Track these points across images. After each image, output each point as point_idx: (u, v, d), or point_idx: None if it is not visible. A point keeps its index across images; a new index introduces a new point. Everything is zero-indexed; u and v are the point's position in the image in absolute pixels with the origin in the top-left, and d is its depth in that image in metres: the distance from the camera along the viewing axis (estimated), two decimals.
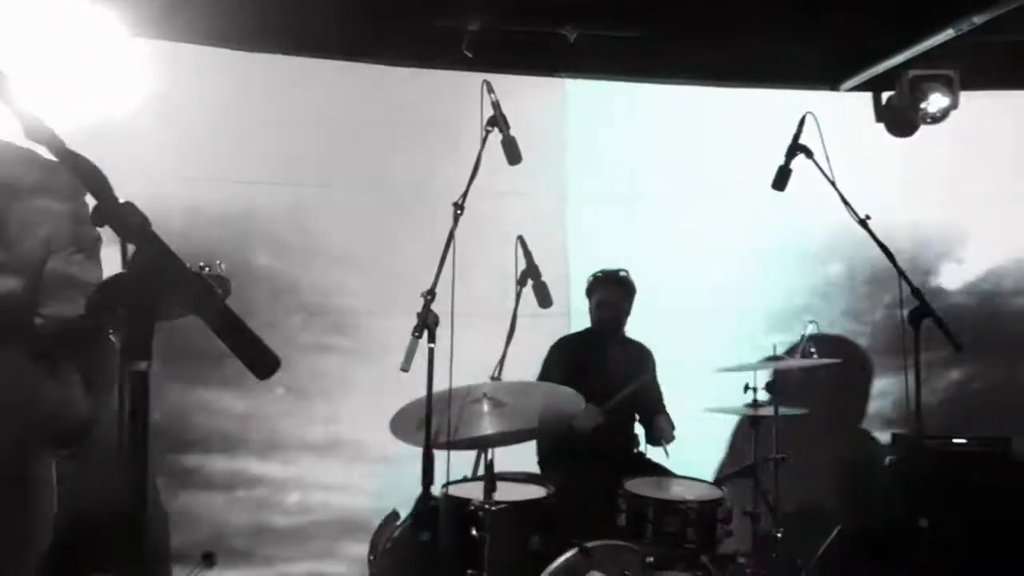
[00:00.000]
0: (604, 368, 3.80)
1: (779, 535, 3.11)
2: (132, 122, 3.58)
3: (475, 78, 4.23)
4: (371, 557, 3.44)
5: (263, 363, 1.02)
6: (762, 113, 4.37)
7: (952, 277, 4.65)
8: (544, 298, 4.48)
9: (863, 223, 2.82)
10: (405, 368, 2.20)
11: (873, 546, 3.24)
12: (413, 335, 2.21)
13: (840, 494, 3.74)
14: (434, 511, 2.99)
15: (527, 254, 4.45)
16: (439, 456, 2.55)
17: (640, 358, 3.97)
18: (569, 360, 3.81)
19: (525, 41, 4.29)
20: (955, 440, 3.89)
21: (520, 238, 4.39)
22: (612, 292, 3.87)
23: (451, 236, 2.37)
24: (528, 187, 4.45)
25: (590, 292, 3.94)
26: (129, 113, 3.58)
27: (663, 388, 3.99)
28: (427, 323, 2.23)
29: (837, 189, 2.89)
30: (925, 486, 3.20)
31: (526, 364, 4.02)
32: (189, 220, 3.77)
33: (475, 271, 4.32)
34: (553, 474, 3.71)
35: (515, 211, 4.41)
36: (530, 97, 4.48)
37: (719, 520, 2.99)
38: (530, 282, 4.46)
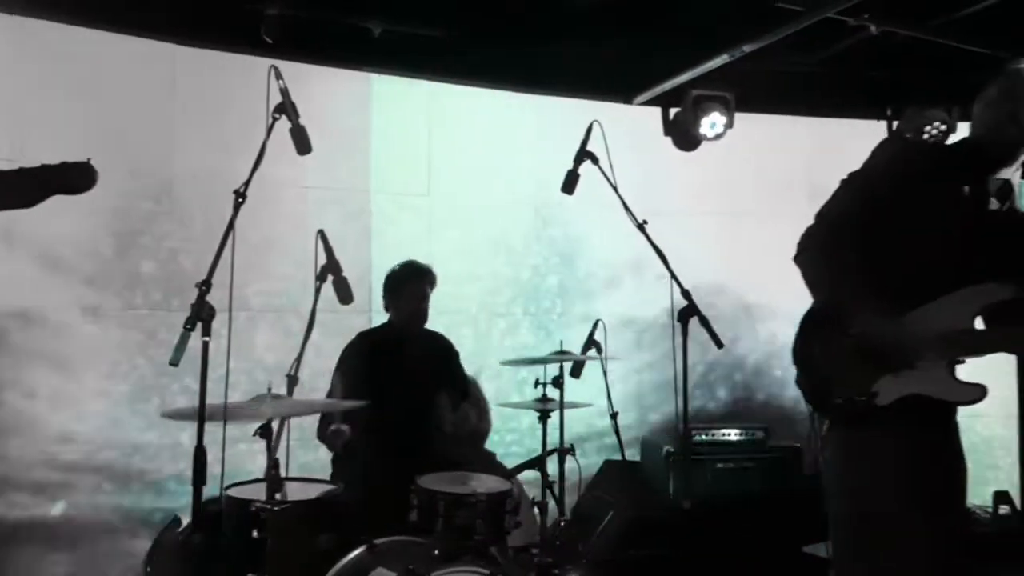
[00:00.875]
0: (405, 363, 3.77)
1: (562, 524, 3.25)
2: None
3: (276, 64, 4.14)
4: (148, 569, 3.23)
5: None
6: (560, 120, 4.56)
7: (723, 280, 5.08)
8: (345, 294, 4.40)
9: (641, 227, 3.00)
10: (174, 362, 2.08)
11: (645, 528, 3.49)
12: (184, 327, 2.09)
13: (621, 482, 3.98)
14: (217, 515, 2.86)
15: (328, 249, 4.35)
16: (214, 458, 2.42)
17: (442, 349, 3.96)
18: (368, 357, 3.75)
19: (331, 32, 4.21)
20: (720, 429, 4.28)
21: (320, 232, 4.28)
22: (420, 284, 3.79)
23: (230, 226, 2.25)
24: (333, 181, 4.38)
25: (397, 284, 3.81)
26: None
27: None
28: (200, 315, 2.11)
29: (619, 194, 3.06)
30: (692, 472, 3.49)
31: (326, 361, 3.94)
32: None
33: (275, 265, 4.19)
34: (348, 472, 3.66)
35: (319, 205, 4.32)
36: (336, 90, 4.42)
37: (507, 512, 3.07)
38: (330, 278, 4.37)
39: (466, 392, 3.93)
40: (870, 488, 2.16)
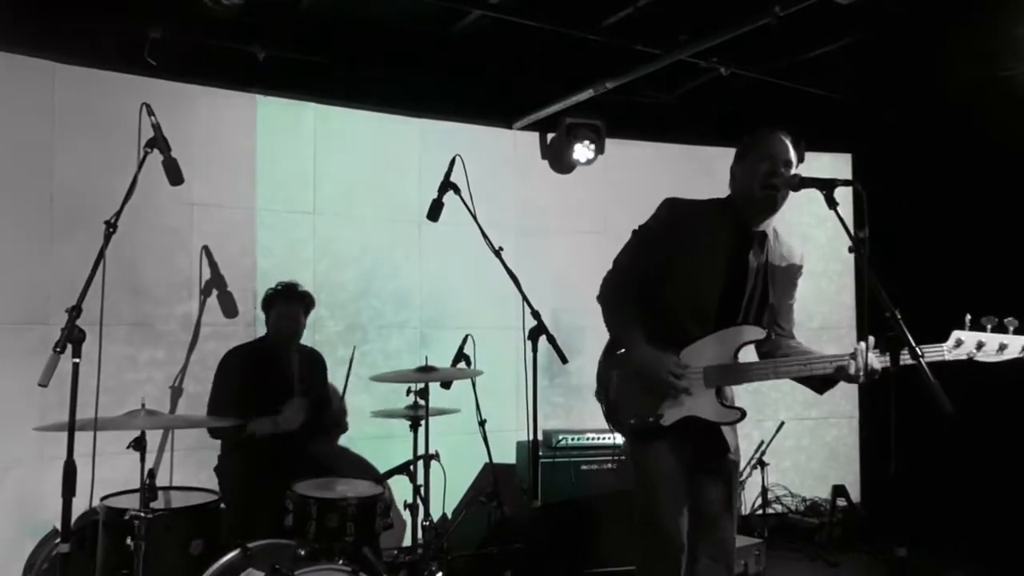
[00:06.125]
0: (277, 375, 3.93)
1: (426, 524, 3.49)
2: None
3: (161, 85, 4.23)
4: None
5: None
6: (442, 141, 4.80)
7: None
8: (229, 308, 4.58)
9: (497, 254, 3.27)
10: (43, 383, 2.23)
11: (502, 526, 3.78)
12: (54, 350, 2.24)
13: (495, 483, 4.21)
14: (94, 525, 2.99)
15: (212, 264, 4.51)
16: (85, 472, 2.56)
17: (312, 363, 4.13)
18: (241, 370, 3.89)
19: (217, 55, 4.34)
20: (585, 433, 4.61)
21: (205, 248, 4.45)
22: (290, 305, 3.96)
23: (101, 255, 2.40)
24: (218, 199, 4.48)
25: (268, 304, 3.99)
26: None
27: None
28: (71, 338, 2.26)
29: (477, 222, 3.31)
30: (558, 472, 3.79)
31: (209, 374, 4.05)
32: None
33: (158, 282, 4.27)
34: (228, 481, 3.81)
35: (204, 222, 4.41)
36: (222, 110, 4.52)
37: (378, 514, 3.29)
38: (215, 292, 4.53)
39: (327, 402, 4.15)
40: (651, 487, 2.60)
